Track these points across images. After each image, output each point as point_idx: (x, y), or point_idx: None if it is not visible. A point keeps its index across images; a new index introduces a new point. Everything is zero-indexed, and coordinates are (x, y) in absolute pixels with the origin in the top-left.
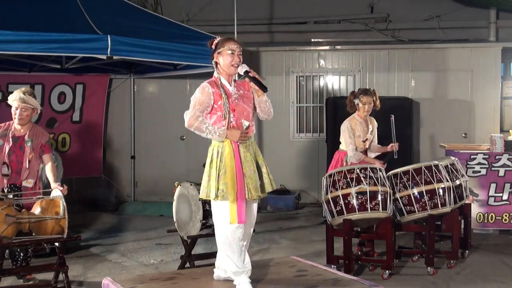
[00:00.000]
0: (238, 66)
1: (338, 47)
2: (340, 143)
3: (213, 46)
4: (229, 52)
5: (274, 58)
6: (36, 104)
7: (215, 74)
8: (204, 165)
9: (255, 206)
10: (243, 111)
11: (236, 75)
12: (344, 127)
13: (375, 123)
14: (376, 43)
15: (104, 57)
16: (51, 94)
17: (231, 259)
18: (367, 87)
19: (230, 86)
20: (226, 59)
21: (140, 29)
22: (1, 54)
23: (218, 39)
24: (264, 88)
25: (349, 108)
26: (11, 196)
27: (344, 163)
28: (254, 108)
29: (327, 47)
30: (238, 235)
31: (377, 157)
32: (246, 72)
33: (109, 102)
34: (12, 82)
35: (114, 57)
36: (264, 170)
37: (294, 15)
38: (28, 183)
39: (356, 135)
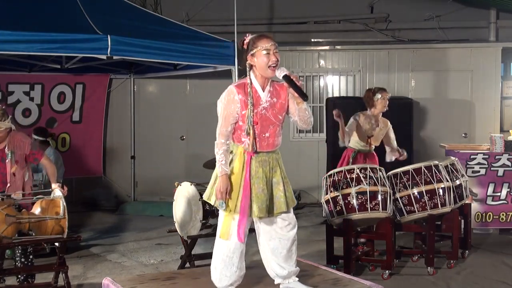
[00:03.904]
0: (275, 67)
1: (338, 47)
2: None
3: (244, 47)
4: (264, 52)
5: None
6: (9, 125)
7: (248, 76)
8: (204, 165)
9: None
10: (269, 125)
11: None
12: (352, 118)
13: (389, 124)
14: (376, 43)
15: (104, 57)
16: (51, 94)
17: (216, 268)
18: (368, 88)
19: (264, 91)
20: (261, 61)
21: (140, 29)
22: (1, 54)
23: (248, 38)
24: (304, 97)
25: (368, 105)
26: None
27: (350, 161)
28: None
29: (327, 47)
30: (237, 254)
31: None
32: (286, 77)
33: (109, 102)
34: (12, 82)
35: (114, 57)
36: (280, 188)
37: (294, 15)
38: (16, 195)
39: (362, 130)
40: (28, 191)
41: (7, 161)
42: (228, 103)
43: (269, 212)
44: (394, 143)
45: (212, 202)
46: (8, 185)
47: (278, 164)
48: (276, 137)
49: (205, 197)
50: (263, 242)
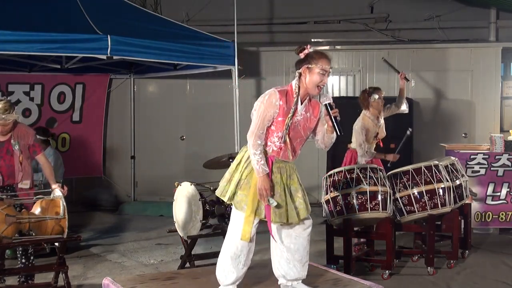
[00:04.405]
0: (321, 89)
1: (338, 47)
2: (350, 141)
3: (302, 55)
4: (321, 72)
5: (274, 58)
6: (16, 117)
7: (294, 83)
8: (204, 165)
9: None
10: (297, 138)
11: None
12: (358, 128)
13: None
14: (376, 43)
15: (104, 57)
16: (51, 94)
17: (223, 266)
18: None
19: (301, 104)
20: (314, 78)
21: (140, 29)
22: (1, 54)
23: (309, 49)
24: (338, 131)
25: (363, 106)
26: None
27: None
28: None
29: (327, 47)
30: (245, 252)
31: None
32: (328, 106)
33: (109, 102)
34: (12, 82)
35: (114, 57)
36: (299, 195)
37: (294, 15)
38: (24, 184)
39: (370, 135)
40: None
41: (14, 150)
42: (269, 105)
43: (291, 219)
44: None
45: (226, 199)
46: (21, 174)
47: (294, 171)
48: (299, 150)
49: (217, 192)
50: (280, 240)
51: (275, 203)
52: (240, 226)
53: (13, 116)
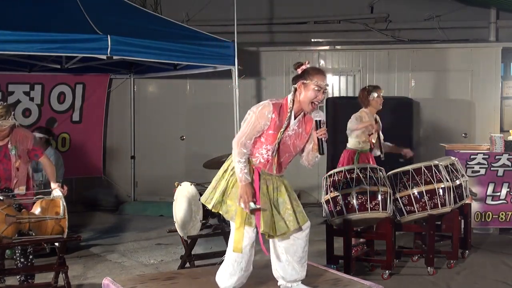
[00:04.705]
0: (316, 106)
1: (338, 47)
2: (347, 141)
3: (299, 71)
4: (316, 88)
5: (274, 58)
6: (12, 123)
7: (289, 97)
8: (204, 165)
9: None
10: (286, 153)
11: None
12: (353, 117)
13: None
14: (376, 43)
15: (104, 57)
16: (51, 94)
17: (225, 270)
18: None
19: (295, 119)
20: (309, 94)
21: (140, 29)
22: (1, 54)
23: (307, 65)
24: (320, 151)
25: (363, 104)
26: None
27: (356, 162)
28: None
29: (327, 47)
30: (246, 258)
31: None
32: (318, 123)
33: (109, 102)
34: (12, 82)
35: (114, 57)
36: (288, 206)
37: (294, 15)
38: (20, 190)
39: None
40: (31, 188)
41: (11, 156)
42: (261, 116)
43: (279, 231)
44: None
45: (210, 207)
46: (16, 180)
47: (282, 183)
48: (286, 165)
49: (202, 199)
50: (277, 242)
51: (257, 206)
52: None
53: (9, 122)
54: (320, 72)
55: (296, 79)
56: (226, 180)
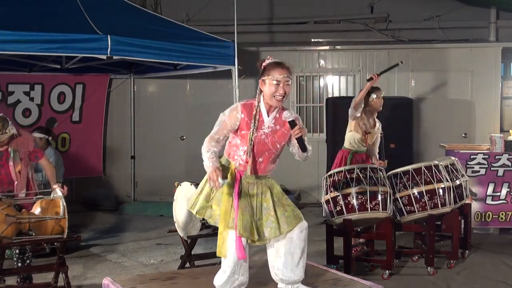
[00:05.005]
0: (283, 98)
1: (338, 47)
2: (343, 141)
3: (261, 68)
4: (274, 82)
5: (274, 58)
6: (11, 133)
7: (257, 99)
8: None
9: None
10: (264, 151)
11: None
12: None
13: (380, 128)
14: (376, 43)
15: (104, 57)
16: (51, 94)
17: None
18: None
19: (268, 116)
20: (269, 90)
21: (140, 29)
22: (1, 54)
23: (268, 61)
24: (304, 149)
25: (364, 106)
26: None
27: (348, 162)
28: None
29: (327, 47)
30: (234, 263)
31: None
32: (292, 123)
33: (109, 102)
34: (12, 82)
35: (114, 57)
36: (271, 213)
37: (294, 15)
38: (22, 193)
39: (362, 123)
40: (34, 189)
41: (12, 160)
42: (230, 118)
43: (259, 236)
44: (376, 149)
45: (194, 212)
46: (16, 183)
47: (268, 189)
48: (269, 164)
49: (188, 205)
50: (274, 245)
51: (226, 181)
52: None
53: (8, 135)
54: (277, 65)
55: (259, 77)
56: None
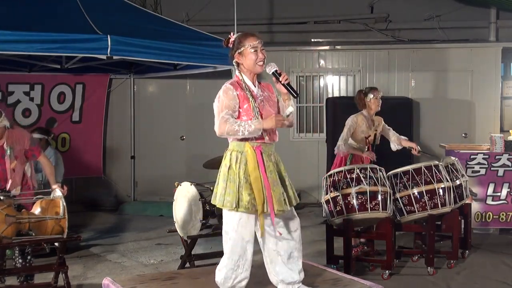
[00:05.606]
0: (263, 64)
1: (338, 47)
2: None
3: (230, 45)
4: (252, 50)
5: (274, 58)
6: (3, 124)
7: (237, 73)
8: (204, 165)
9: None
10: (270, 114)
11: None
12: (349, 121)
13: (382, 121)
14: (376, 43)
15: (104, 57)
16: (51, 94)
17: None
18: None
19: (255, 87)
20: (249, 59)
21: (140, 29)
22: (1, 54)
23: (233, 36)
24: (294, 94)
25: (360, 106)
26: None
27: (348, 162)
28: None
29: (327, 47)
30: (249, 251)
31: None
32: (276, 73)
33: (109, 102)
34: (12, 82)
35: (114, 57)
36: (287, 182)
37: (294, 15)
38: (16, 190)
39: (360, 131)
40: (32, 187)
41: (6, 157)
42: (228, 98)
43: (285, 205)
44: (395, 133)
45: (231, 208)
46: (10, 181)
47: (279, 159)
48: (275, 132)
49: (217, 204)
50: (270, 247)
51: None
52: (249, 226)
53: (0, 124)
54: (247, 34)
55: (232, 54)
56: (236, 174)
